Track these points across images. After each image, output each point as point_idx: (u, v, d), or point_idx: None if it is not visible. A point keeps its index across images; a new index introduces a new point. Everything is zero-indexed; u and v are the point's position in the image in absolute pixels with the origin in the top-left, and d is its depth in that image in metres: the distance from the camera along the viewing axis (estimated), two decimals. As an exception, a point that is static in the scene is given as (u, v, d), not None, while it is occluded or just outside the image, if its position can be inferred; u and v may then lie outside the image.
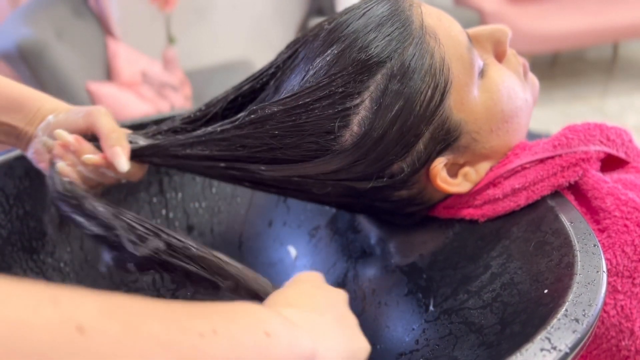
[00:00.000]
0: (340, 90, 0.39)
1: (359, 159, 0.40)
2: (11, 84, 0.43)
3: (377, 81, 0.38)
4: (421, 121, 0.39)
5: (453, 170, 0.43)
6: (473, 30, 0.44)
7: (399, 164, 0.40)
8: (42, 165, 0.44)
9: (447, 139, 0.41)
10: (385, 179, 0.41)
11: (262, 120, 0.40)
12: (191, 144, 0.42)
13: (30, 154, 0.44)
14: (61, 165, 0.41)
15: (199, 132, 0.43)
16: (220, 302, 0.25)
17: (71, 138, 0.41)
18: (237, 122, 0.41)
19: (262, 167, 0.42)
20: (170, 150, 0.43)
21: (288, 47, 0.44)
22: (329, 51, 0.40)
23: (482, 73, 0.42)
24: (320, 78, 0.39)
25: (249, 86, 0.45)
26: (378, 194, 0.43)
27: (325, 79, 0.39)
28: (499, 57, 0.45)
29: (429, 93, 0.39)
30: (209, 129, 0.42)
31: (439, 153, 0.41)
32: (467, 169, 0.43)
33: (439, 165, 0.41)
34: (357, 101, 0.39)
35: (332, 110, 0.39)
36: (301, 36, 0.44)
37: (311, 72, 0.40)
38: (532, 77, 0.47)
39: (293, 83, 0.41)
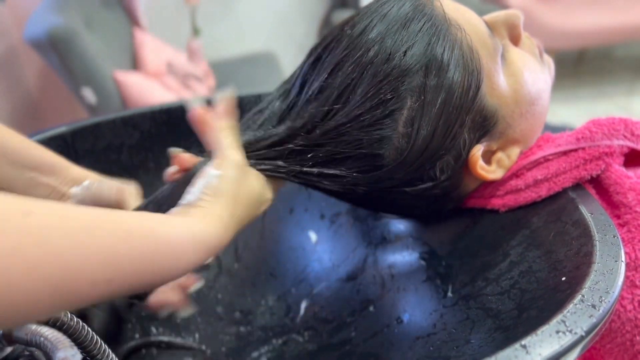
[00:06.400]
0: (389, 96, 0.39)
1: (413, 160, 0.40)
2: (41, 149, 0.44)
3: (416, 80, 0.39)
4: (463, 111, 0.40)
5: (486, 158, 0.44)
6: (487, 17, 0.45)
7: (447, 157, 0.41)
8: None
9: (485, 126, 0.42)
10: (438, 177, 0.41)
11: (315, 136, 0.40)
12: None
13: None
14: None
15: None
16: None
17: None
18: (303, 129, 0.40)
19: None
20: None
21: (310, 54, 0.43)
22: (361, 58, 0.39)
23: (503, 58, 0.43)
24: (364, 88, 0.39)
25: (278, 103, 0.43)
26: (426, 193, 0.43)
27: (371, 88, 0.39)
28: (515, 40, 0.45)
29: (466, 83, 0.40)
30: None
31: (477, 141, 0.42)
32: (499, 154, 0.44)
33: (478, 153, 0.42)
34: (400, 104, 0.39)
35: (381, 117, 0.39)
36: (322, 41, 0.43)
37: (346, 80, 0.40)
38: (547, 57, 0.47)
39: (326, 98, 0.40)
